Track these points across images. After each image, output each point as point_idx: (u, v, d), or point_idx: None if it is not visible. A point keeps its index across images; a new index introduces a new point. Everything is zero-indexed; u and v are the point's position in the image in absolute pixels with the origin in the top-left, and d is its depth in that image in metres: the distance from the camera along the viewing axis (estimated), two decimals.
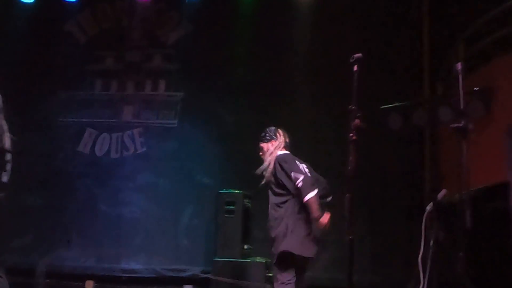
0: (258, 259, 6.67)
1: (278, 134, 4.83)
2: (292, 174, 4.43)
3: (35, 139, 8.14)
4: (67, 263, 7.48)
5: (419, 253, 4.32)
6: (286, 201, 4.51)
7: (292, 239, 4.42)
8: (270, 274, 6.65)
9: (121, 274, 7.12)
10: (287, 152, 4.75)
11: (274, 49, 7.76)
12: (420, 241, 4.34)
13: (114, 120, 8.16)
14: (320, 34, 7.72)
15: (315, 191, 4.38)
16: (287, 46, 7.79)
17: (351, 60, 3.56)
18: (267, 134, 4.84)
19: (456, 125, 3.57)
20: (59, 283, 7.41)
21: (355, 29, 7.56)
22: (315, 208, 4.33)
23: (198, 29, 8.10)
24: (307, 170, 4.57)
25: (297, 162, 4.59)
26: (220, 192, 6.94)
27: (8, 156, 4.14)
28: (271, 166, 4.62)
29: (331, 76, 7.19)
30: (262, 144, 4.84)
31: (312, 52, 7.71)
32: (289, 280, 4.43)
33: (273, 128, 4.87)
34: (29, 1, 7.98)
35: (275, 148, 4.77)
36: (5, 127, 4.18)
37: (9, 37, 8.16)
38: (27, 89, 8.27)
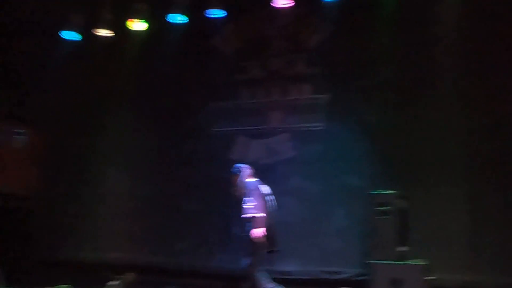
0: (416, 262, 6.42)
1: None
2: None
3: (192, 149, 8.72)
4: (225, 265, 7.84)
5: None
6: None
7: None
8: (430, 277, 6.38)
9: (276, 276, 7.28)
10: None
11: (418, 46, 7.46)
12: None
13: (262, 127, 8.42)
14: (468, 30, 7.23)
15: None
16: (431, 43, 7.44)
17: None
18: None
19: None
20: (217, 284, 7.81)
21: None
22: None
23: (339, 30, 8.06)
24: None
25: None
26: (372, 193, 6.81)
27: None
28: None
29: (482, 75, 6.76)
30: None
31: (458, 49, 7.26)
32: None
33: None
34: (182, 22, 8.54)
35: None
36: None
37: (163, 56, 8.82)
38: (182, 102, 8.92)
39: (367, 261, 6.66)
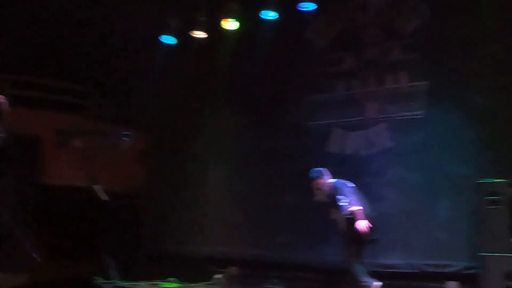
0: None
1: None
2: None
3: (288, 143, 8.75)
4: (326, 258, 7.78)
5: None
6: None
7: None
8: None
9: (380, 269, 7.11)
10: None
11: None
12: None
13: (359, 118, 8.26)
14: None
15: None
16: None
17: None
18: None
19: None
20: (318, 277, 7.78)
21: None
22: None
23: (436, 12, 7.70)
24: None
25: None
26: (480, 182, 6.45)
27: None
28: None
29: None
30: None
31: None
32: None
33: None
34: (273, 18, 8.60)
35: None
36: None
37: (257, 53, 8.91)
38: (277, 97, 8.97)
39: (478, 254, 6.31)
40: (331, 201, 6.37)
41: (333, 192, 6.38)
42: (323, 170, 6.65)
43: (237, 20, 8.77)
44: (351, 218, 6.10)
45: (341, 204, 6.21)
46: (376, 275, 6.50)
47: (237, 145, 9.26)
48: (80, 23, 9.63)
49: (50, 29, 9.87)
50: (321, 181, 6.54)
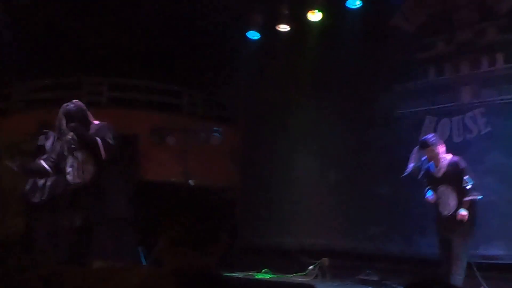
0: None
1: None
2: None
3: (379, 133, 8.59)
4: (420, 249, 7.58)
5: None
6: None
7: None
8: None
9: (480, 261, 6.82)
10: None
11: None
12: None
13: (452, 104, 7.94)
14: None
15: None
16: None
17: None
18: None
19: None
20: (412, 269, 7.59)
21: None
22: None
23: None
24: None
25: None
26: None
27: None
28: None
29: None
30: None
31: None
32: None
33: None
34: (358, 6, 8.48)
35: None
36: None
37: (342, 43, 8.82)
38: (366, 87, 8.83)
39: None
40: (449, 178, 5.86)
41: (455, 170, 5.84)
42: (438, 139, 6.07)
43: (321, 11, 8.72)
44: (472, 205, 5.73)
45: (468, 187, 5.72)
46: (476, 267, 6.26)
47: (327, 137, 9.23)
48: (170, 25, 10.02)
49: (142, 32, 10.36)
50: (439, 150, 5.97)
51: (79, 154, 5.39)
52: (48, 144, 6.23)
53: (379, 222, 8.35)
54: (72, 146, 5.36)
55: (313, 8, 8.71)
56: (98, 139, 5.42)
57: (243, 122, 10.43)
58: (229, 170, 10.23)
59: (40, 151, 6.29)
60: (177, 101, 10.34)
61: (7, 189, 8.40)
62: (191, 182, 7.87)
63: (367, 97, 8.84)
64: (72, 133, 5.37)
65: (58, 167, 5.53)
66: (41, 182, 5.87)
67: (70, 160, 5.43)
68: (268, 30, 9.19)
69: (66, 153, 5.47)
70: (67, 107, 5.48)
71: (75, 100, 5.63)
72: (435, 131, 8.01)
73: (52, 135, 6.31)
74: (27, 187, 5.99)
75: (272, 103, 9.89)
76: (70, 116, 5.40)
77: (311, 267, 8.34)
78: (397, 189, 8.07)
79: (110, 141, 5.43)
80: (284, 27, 9.15)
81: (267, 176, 9.95)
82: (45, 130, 6.51)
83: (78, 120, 5.41)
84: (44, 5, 9.72)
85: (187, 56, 10.28)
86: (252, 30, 9.39)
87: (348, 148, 8.96)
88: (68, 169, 5.44)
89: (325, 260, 8.28)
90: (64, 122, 5.43)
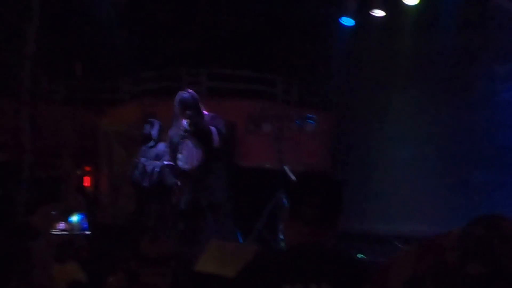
0: None
1: None
2: None
3: (479, 117, 8.32)
4: None
5: None
6: None
7: None
8: None
9: None
10: None
11: None
12: None
13: None
14: None
15: None
16: None
17: None
18: None
19: None
20: None
21: None
22: None
23: None
24: None
25: None
26: None
27: None
28: None
29: None
30: None
31: None
32: None
33: None
34: None
35: None
36: None
37: (441, 27, 8.58)
38: (465, 71, 8.57)
39: None
40: None
41: None
42: None
43: None
44: None
45: None
46: None
47: (425, 123, 9.06)
48: (264, 13, 10.25)
49: (238, 22, 10.68)
50: None
51: (189, 141, 5.62)
52: (154, 132, 6.69)
53: (476, 209, 8.10)
54: (185, 133, 5.57)
55: None
56: (212, 128, 5.63)
57: (337, 109, 10.46)
58: (323, 157, 10.33)
59: (146, 138, 6.76)
60: (272, 89, 10.58)
61: (118, 174, 9.07)
62: (286, 168, 8.05)
63: (467, 82, 8.56)
64: (188, 120, 5.55)
65: (172, 153, 5.82)
66: (150, 167, 6.31)
67: (181, 146, 5.68)
68: (363, 16, 9.12)
69: (178, 139, 5.70)
70: (183, 95, 5.70)
71: (189, 90, 5.84)
72: None
73: (157, 124, 6.76)
74: (137, 172, 6.48)
75: (367, 90, 9.84)
76: (185, 104, 5.60)
77: None
78: (495, 176, 7.81)
79: (223, 131, 5.65)
80: (379, 12, 9.03)
81: (362, 163, 9.93)
82: (150, 119, 6.99)
83: (192, 108, 5.59)
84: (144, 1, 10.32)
85: (281, 44, 10.46)
86: (346, 16, 9.35)
87: (448, 134, 8.74)
88: (179, 155, 5.70)
89: None
90: (179, 109, 5.64)
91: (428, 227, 8.67)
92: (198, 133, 5.59)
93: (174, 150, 5.86)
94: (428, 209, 8.79)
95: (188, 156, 5.67)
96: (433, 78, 8.92)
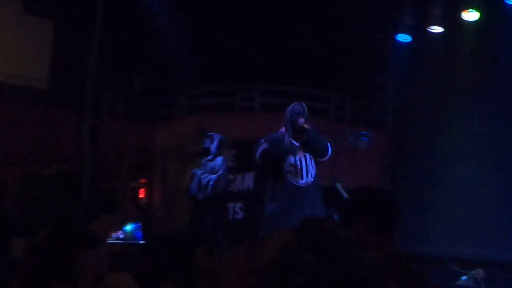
0: None
1: None
2: None
3: None
4: None
5: None
6: None
7: None
8: None
9: None
10: None
11: None
12: None
13: None
14: None
15: None
16: None
17: None
18: None
19: None
20: None
21: None
22: None
23: None
24: None
25: None
26: None
27: None
28: None
29: None
30: None
31: None
32: None
33: None
34: None
35: None
36: None
37: (502, 43, 8.35)
38: None
39: None
40: None
41: None
42: None
43: (477, 9, 8.32)
44: None
45: None
46: None
47: (487, 140, 8.79)
48: (319, 30, 10.26)
49: (291, 39, 10.74)
50: None
51: (301, 154, 5.29)
52: (213, 146, 6.75)
53: None
54: (297, 145, 5.25)
55: (467, 7, 8.34)
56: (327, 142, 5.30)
57: (391, 126, 10.29)
58: (377, 175, 10.16)
59: (205, 152, 6.83)
60: (325, 105, 10.54)
61: (173, 186, 9.24)
62: (338, 185, 7.98)
63: None
64: (303, 133, 5.27)
65: (275, 165, 5.33)
66: (205, 180, 6.39)
67: (292, 159, 5.29)
68: (420, 32, 8.99)
69: (287, 151, 5.29)
70: (297, 106, 5.42)
71: (298, 102, 5.55)
72: None
73: (217, 138, 6.82)
74: (193, 184, 6.57)
75: (424, 107, 9.64)
76: (298, 115, 5.31)
77: (464, 277, 7.97)
78: None
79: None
80: (436, 29, 8.89)
81: (418, 182, 9.70)
82: (210, 134, 7.07)
83: (305, 118, 5.29)
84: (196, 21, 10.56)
85: (336, 60, 10.44)
86: (403, 32, 9.25)
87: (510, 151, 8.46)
88: (289, 168, 5.30)
89: (480, 272, 7.87)
90: (290, 120, 5.34)
91: (490, 251, 8.36)
92: (312, 146, 5.31)
93: (281, 161, 5.32)
94: (489, 230, 8.48)
95: (301, 170, 5.26)
96: (494, 95, 8.65)
